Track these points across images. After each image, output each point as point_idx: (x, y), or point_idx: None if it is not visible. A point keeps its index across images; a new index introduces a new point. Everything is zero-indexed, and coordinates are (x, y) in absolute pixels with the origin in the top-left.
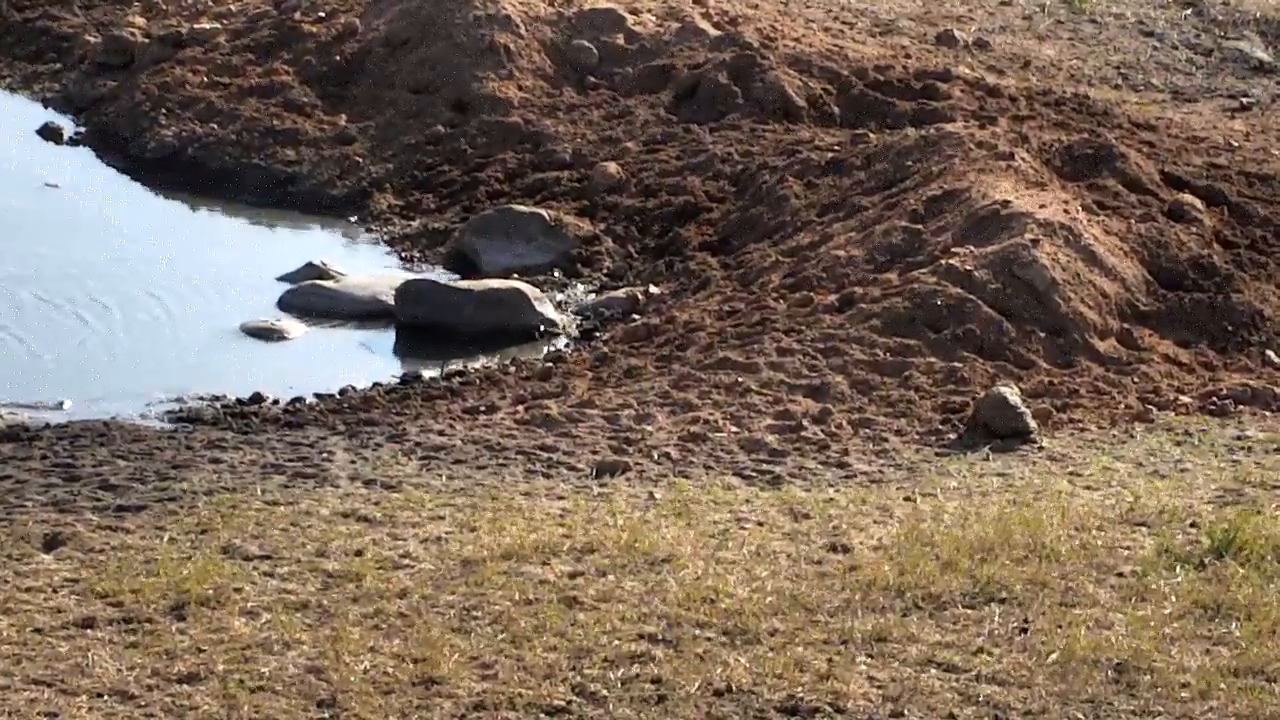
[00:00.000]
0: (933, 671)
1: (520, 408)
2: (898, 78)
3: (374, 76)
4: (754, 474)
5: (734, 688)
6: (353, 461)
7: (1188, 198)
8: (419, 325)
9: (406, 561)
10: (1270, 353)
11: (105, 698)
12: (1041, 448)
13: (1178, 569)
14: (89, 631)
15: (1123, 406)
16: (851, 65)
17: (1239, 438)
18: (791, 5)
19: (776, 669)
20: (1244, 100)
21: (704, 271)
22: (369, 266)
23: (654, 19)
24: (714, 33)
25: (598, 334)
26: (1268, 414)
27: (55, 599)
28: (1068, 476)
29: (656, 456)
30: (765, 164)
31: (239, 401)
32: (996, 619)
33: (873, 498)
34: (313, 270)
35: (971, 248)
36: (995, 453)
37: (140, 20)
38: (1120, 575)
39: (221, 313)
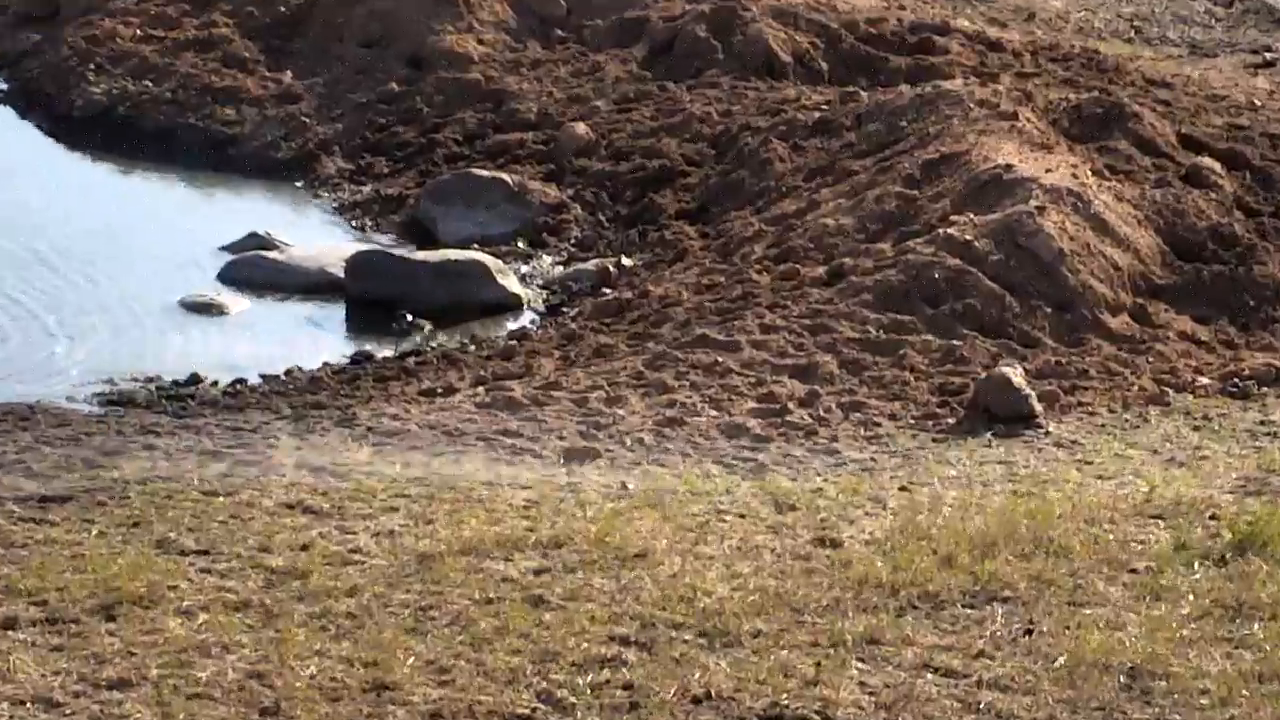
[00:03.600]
0: (929, 677)
1: (481, 389)
2: (891, 31)
3: (321, 29)
4: (735, 462)
5: (713, 694)
6: (298, 448)
7: (1207, 161)
8: (371, 300)
9: (357, 557)
10: None
11: (28, 705)
12: (1048, 433)
13: (1196, 565)
14: (10, 633)
15: (1136, 388)
16: (841, 17)
17: (1262, 422)
18: None
19: (759, 674)
20: (1267, 55)
21: (681, 242)
22: (316, 236)
23: None
24: None
25: (565, 309)
26: None
27: None
28: (1076, 464)
29: (629, 443)
30: (747, 125)
31: (175, 383)
32: (999, 620)
33: (864, 487)
34: (255, 240)
35: (971, 216)
36: (997, 438)
37: None
38: (1133, 572)
39: (156, 286)
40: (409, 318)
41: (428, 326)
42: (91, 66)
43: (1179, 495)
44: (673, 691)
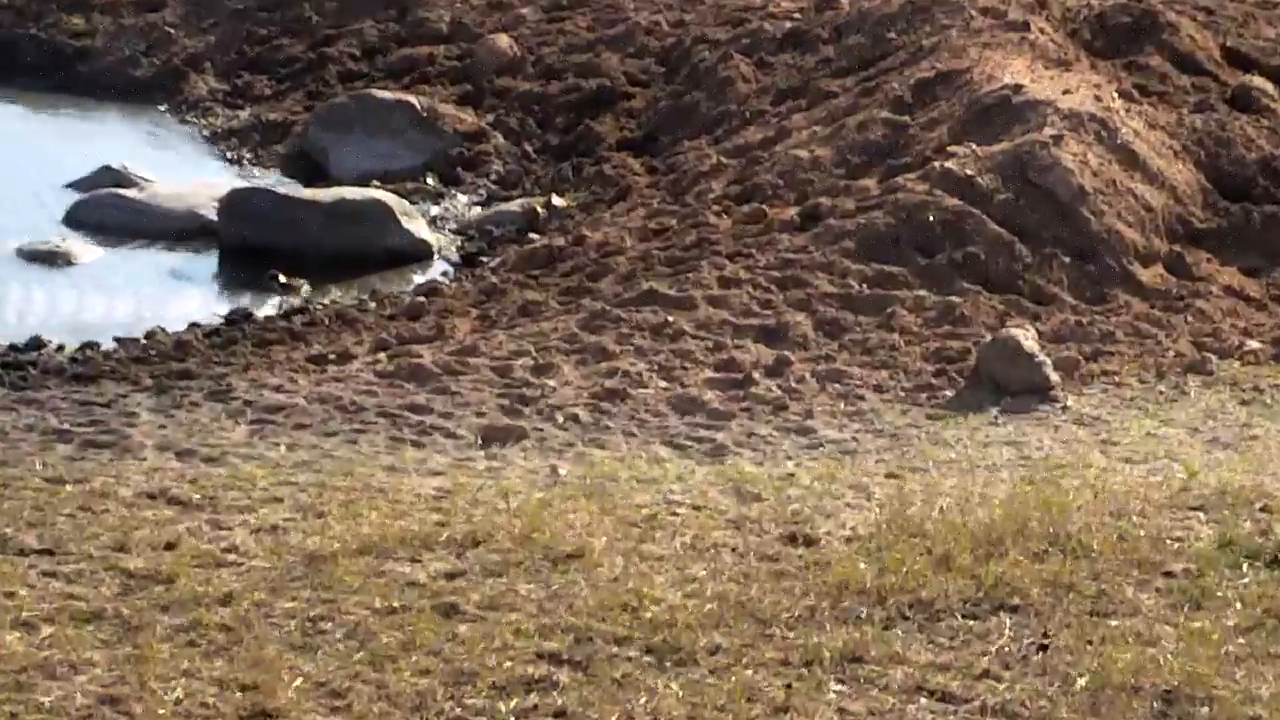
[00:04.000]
0: (923, 701)
1: (382, 356)
2: None
3: None
4: (689, 443)
5: None
6: (162, 426)
7: (1257, 81)
8: (249, 248)
9: (232, 557)
10: None
11: None
12: (1066, 408)
13: (1244, 567)
14: None
15: (1172, 354)
16: None
17: None
18: None
19: (718, 699)
20: None
21: (623, 177)
22: (184, 170)
23: None
24: None
25: (484, 259)
26: None
27: None
28: (1100, 445)
29: (561, 420)
30: (703, 37)
31: (12, 348)
32: (1007, 633)
33: (844, 473)
34: (110, 175)
35: (973, 146)
36: (1005, 414)
37: None
38: (1169, 575)
39: None
40: (280, 278)
41: (305, 286)
42: None
43: (1223, 483)
44: (614, 719)
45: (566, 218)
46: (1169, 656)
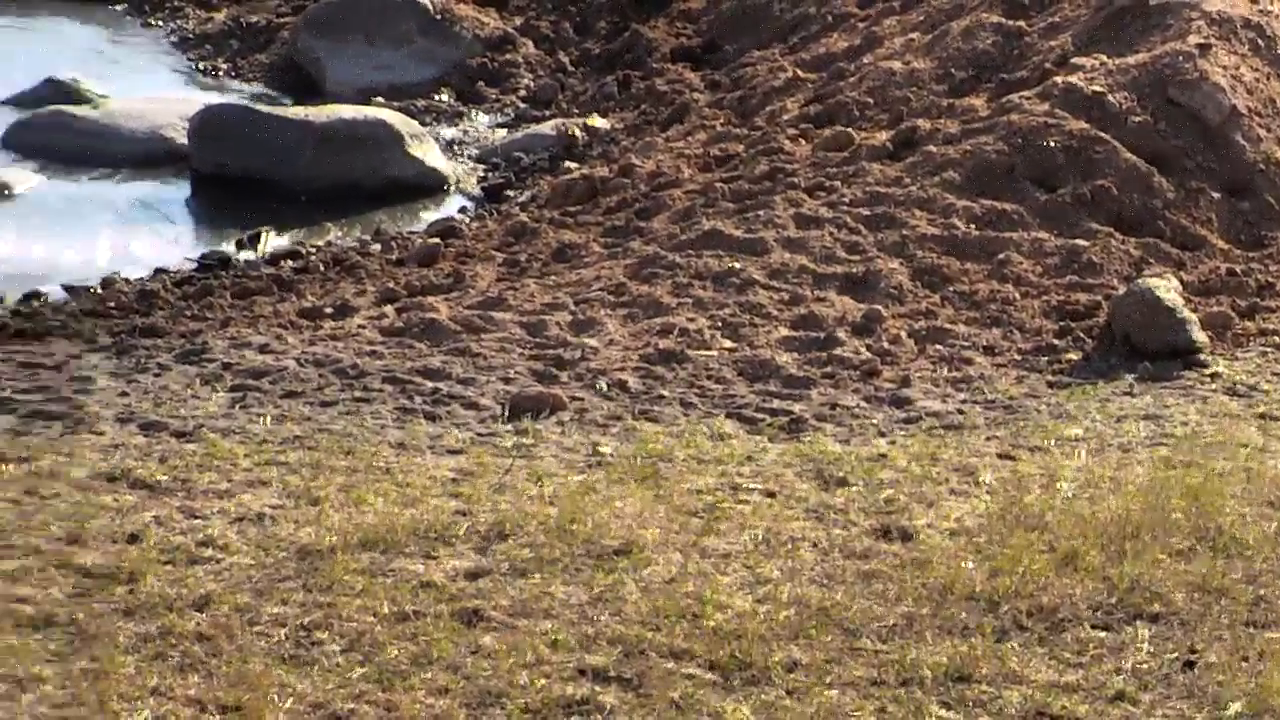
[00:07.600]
0: None
1: (389, 309)
2: None
3: None
4: (760, 415)
5: None
6: (123, 394)
7: None
8: (228, 178)
9: (209, 553)
10: None
11: None
12: (1216, 374)
13: None
14: None
15: None
16: None
17: None
18: None
19: None
20: None
21: (679, 94)
22: (147, 84)
23: None
24: None
25: (511, 192)
26: None
27: None
28: (1257, 420)
29: (606, 387)
30: None
31: None
32: (1145, 646)
33: (949, 454)
34: (57, 90)
35: (1104, 57)
36: (1142, 382)
37: None
38: None
39: None
40: (244, 239)
41: (269, 235)
42: None
43: None
44: None
45: (610, 143)
46: None
